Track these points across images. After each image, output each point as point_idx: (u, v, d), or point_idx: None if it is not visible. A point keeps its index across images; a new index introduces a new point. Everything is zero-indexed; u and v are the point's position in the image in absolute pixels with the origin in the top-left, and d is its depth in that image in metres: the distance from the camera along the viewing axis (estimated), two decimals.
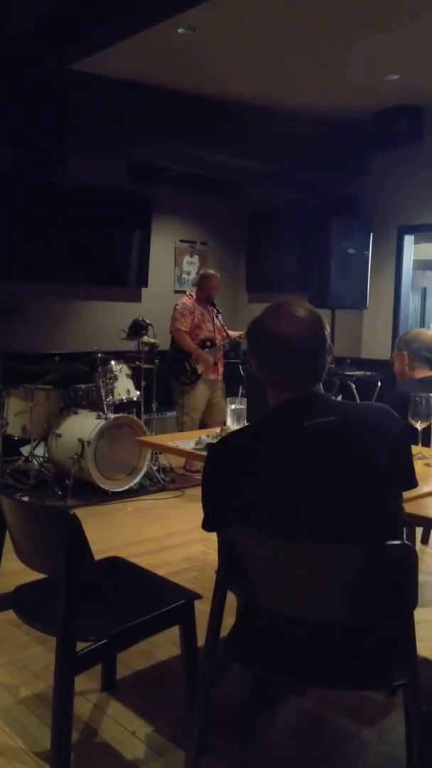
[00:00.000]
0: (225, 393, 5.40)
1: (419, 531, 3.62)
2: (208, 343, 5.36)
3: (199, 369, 5.32)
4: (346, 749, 2.09)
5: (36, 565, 1.96)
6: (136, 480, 4.88)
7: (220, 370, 5.52)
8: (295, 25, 4.06)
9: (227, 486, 1.63)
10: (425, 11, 3.82)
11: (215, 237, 7.27)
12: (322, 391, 1.66)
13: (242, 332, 5.33)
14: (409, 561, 1.52)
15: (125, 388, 5.02)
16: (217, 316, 5.41)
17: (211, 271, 5.50)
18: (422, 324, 8.13)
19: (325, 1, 3.73)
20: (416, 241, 6.26)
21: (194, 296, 5.42)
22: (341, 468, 1.56)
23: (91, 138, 4.89)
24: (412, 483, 1.73)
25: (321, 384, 1.66)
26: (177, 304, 5.41)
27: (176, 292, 6.77)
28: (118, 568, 2.31)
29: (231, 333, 5.44)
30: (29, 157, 4.78)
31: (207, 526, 1.68)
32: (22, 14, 3.80)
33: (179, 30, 4.07)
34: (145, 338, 5.17)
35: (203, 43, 4.31)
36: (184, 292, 5.87)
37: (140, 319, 5.25)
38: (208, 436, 2.66)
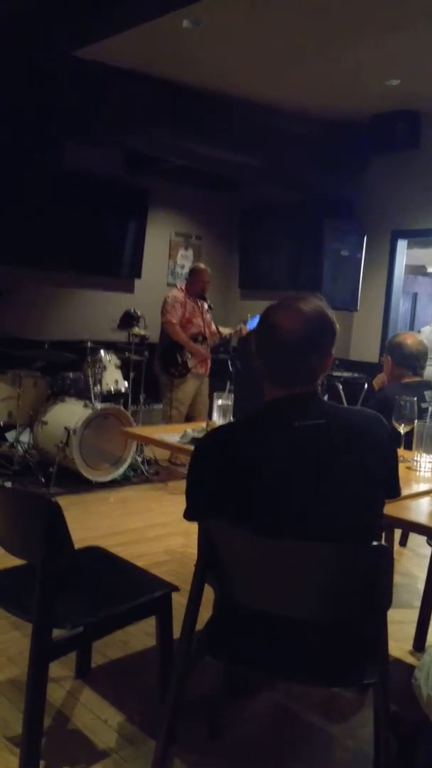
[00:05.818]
0: (209, 388, 5.40)
1: (398, 533, 3.66)
2: (200, 338, 5.34)
3: (190, 363, 5.30)
4: (315, 743, 2.12)
5: (15, 551, 1.96)
6: (120, 471, 4.88)
7: (209, 365, 5.49)
8: (299, 26, 4.06)
9: (212, 479, 1.64)
10: (428, 17, 3.84)
11: (210, 232, 7.26)
12: (317, 392, 1.65)
13: (232, 329, 5.39)
14: (385, 562, 1.54)
15: (113, 378, 5.02)
16: (205, 312, 5.38)
17: (203, 266, 5.47)
18: (412, 328, 8.19)
19: (331, 3, 3.74)
20: (409, 246, 6.30)
21: (185, 289, 5.40)
22: (326, 470, 1.57)
23: (90, 126, 4.87)
24: (395, 492, 1.74)
25: (317, 385, 1.64)
26: (167, 296, 5.37)
27: (169, 284, 6.77)
28: (98, 557, 2.31)
29: (222, 329, 5.43)
30: (25, 141, 4.76)
31: (188, 515, 1.69)
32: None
33: (184, 23, 4.06)
34: (136, 330, 5.16)
35: (207, 37, 4.30)
36: (177, 285, 5.85)
37: (132, 310, 5.24)
38: (193, 430, 2.67)
